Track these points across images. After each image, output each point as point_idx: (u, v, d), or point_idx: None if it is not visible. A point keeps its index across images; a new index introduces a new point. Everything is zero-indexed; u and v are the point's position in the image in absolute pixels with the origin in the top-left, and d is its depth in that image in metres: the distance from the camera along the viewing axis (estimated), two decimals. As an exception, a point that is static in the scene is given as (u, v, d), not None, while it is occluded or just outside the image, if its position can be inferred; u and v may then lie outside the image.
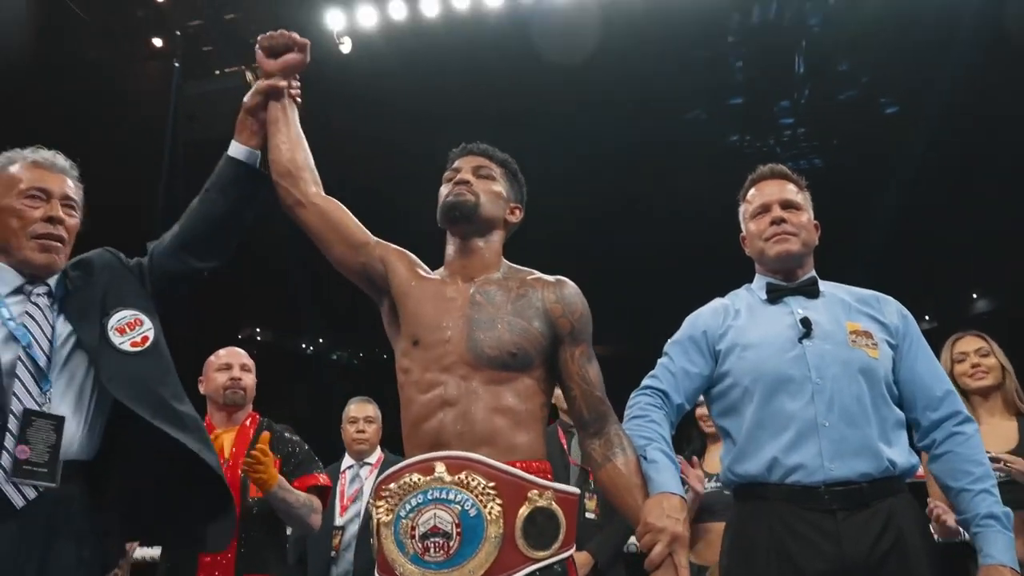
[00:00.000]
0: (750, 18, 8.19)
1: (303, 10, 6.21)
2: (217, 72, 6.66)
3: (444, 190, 1.97)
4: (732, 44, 8.57)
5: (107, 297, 1.90)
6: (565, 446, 3.80)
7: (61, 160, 1.94)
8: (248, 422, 3.00)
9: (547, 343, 1.83)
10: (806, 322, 2.02)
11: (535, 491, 1.68)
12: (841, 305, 2.08)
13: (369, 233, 1.99)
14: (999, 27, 6.64)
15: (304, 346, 13.17)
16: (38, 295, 1.84)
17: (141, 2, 6.20)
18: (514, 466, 1.69)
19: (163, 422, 1.78)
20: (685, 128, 9.32)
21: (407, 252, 2.00)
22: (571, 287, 1.91)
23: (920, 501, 2.18)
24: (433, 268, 1.99)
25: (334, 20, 6.24)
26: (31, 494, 1.66)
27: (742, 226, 2.22)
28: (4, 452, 1.66)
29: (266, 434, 2.73)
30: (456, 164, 2.01)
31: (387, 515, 1.68)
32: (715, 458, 3.12)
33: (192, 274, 2.01)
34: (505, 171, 2.03)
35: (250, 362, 3.11)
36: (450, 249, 1.97)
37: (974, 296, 11.89)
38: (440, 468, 1.67)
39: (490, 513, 1.63)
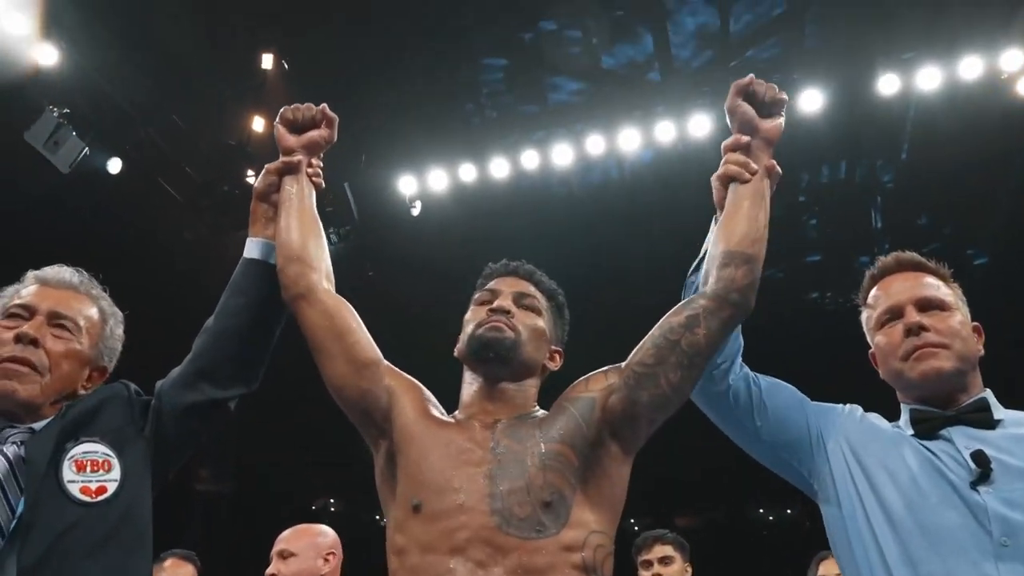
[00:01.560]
0: (819, 176, 8.19)
1: (378, 177, 6.46)
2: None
3: (474, 316, 1.60)
4: (804, 203, 8.54)
5: (85, 423, 1.51)
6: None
7: (67, 274, 1.63)
8: None
9: (590, 450, 1.46)
10: (980, 459, 1.44)
11: None
12: None
13: (379, 352, 1.62)
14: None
15: (378, 518, 12.82)
16: (12, 442, 1.46)
17: (228, 179, 6.57)
18: None
19: None
20: (761, 286, 9.10)
21: (421, 386, 1.63)
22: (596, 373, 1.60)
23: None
24: None
25: (406, 185, 6.44)
26: None
27: (868, 339, 1.73)
28: None
29: None
30: (493, 284, 1.66)
31: None
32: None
33: (211, 408, 1.63)
34: (551, 304, 1.68)
35: (297, 546, 2.67)
36: (470, 388, 1.60)
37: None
38: None
39: None
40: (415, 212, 6.41)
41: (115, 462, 1.49)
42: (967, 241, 8.52)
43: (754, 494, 12.22)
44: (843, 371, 3.67)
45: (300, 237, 1.70)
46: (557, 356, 1.69)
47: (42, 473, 1.42)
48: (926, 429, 1.56)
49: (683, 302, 1.61)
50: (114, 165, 5.72)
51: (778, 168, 1.75)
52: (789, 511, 11.89)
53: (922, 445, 1.54)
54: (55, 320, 1.56)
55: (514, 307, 1.61)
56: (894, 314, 1.64)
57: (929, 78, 5.25)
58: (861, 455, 1.59)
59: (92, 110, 5.30)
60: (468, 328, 1.61)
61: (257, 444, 8.60)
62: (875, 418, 1.68)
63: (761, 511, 12.83)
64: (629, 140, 6.05)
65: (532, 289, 1.68)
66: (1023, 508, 1.38)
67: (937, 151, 6.74)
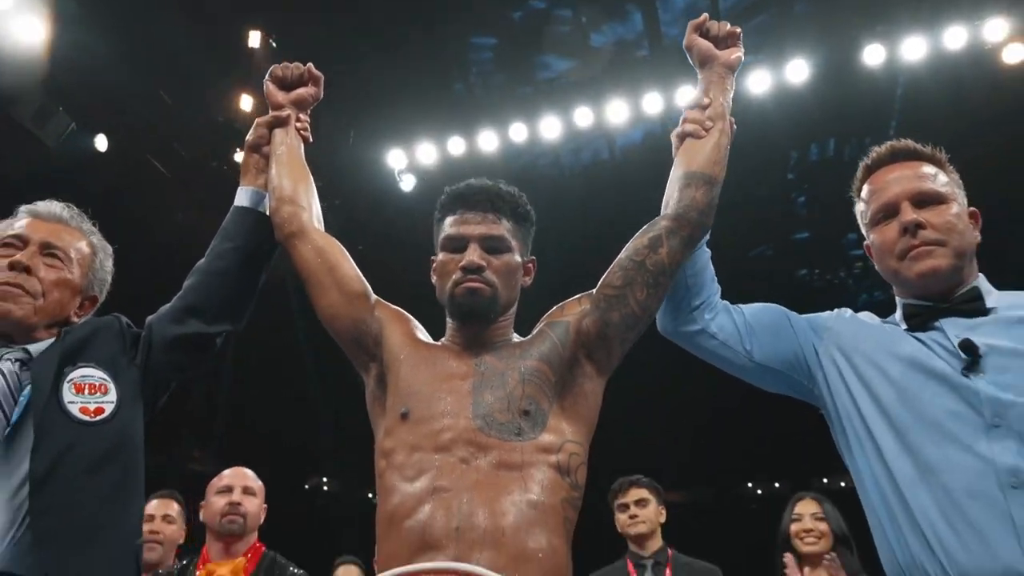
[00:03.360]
0: (808, 155, 8.20)
1: (367, 151, 6.48)
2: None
3: (446, 269, 1.65)
4: (793, 181, 8.57)
5: (81, 350, 1.60)
6: (636, 579, 3.44)
7: (58, 208, 1.74)
8: (249, 555, 2.64)
9: (566, 369, 1.58)
10: (968, 347, 1.43)
11: None
12: None
13: (368, 285, 1.74)
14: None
15: (371, 496, 12.87)
16: (8, 359, 1.54)
17: (217, 156, 6.53)
18: None
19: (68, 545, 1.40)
20: (751, 264, 9.18)
21: (409, 316, 1.74)
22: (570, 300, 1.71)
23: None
24: None
25: (395, 159, 6.48)
26: None
27: (863, 231, 1.68)
28: None
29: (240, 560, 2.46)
30: (458, 227, 1.66)
31: None
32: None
33: (199, 341, 1.72)
34: (517, 223, 1.70)
35: (257, 484, 2.80)
36: (453, 325, 1.69)
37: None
38: None
39: None
40: (404, 186, 6.43)
41: (111, 386, 1.58)
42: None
43: (743, 469, 12.33)
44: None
45: (291, 183, 1.84)
46: (531, 267, 1.76)
47: (47, 393, 1.50)
48: (918, 323, 1.54)
49: (647, 225, 1.72)
50: (100, 142, 5.69)
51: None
52: (777, 485, 11.99)
53: (914, 337, 1.53)
54: (47, 250, 1.66)
55: (485, 256, 1.63)
56: (888, 211, 1.59)
57: (914, 48, 5.27)
58: (851, 354, 1.58)
59: (79, 86, 5.28)
60: (444, 283, 1.65)
61: (249, 420, 8.59)
62: (865, 316, 1.67)
63: (750, 486, 12.93)
64: (618, 114, 6.06)
65: (496, 220, 1.66)
66: (1015, 389, 1.39)
67: (925, 126, 6.74)
